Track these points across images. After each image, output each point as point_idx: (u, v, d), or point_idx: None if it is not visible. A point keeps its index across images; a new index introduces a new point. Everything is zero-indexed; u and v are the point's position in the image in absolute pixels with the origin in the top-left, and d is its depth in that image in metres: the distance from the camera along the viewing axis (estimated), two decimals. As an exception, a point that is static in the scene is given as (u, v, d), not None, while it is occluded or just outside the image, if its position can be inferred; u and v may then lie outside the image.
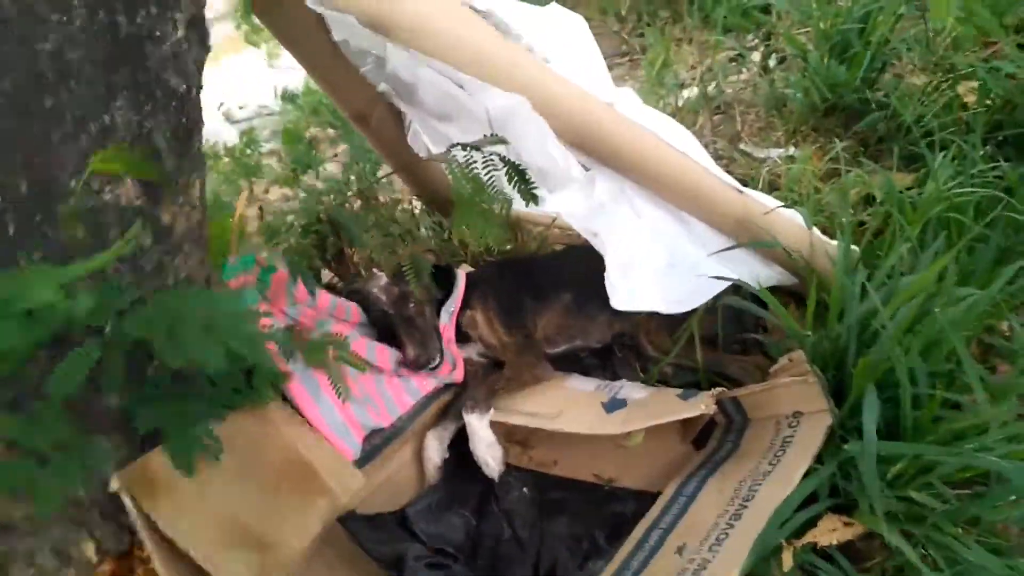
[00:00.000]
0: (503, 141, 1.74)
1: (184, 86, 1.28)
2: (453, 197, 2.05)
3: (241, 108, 3.74)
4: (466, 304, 2.28)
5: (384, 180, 2.97)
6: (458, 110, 1.89)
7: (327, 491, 1.80)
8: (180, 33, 1.23)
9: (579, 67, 1.76)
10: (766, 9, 3.81)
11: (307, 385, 1.87)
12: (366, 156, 2.79)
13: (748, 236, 2.01)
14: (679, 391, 2.05)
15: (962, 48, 2.45)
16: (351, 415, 1.96)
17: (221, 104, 2.90)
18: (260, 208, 3.16)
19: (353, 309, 2.16)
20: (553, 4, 1.95)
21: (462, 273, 2.34)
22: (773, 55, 3.65)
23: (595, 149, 1.77)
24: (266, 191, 3.62)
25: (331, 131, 3.71)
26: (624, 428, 1.92)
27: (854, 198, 2.46)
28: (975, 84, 2.40)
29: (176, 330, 1.18)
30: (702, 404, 1.84)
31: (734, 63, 3.84)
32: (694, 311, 2.12)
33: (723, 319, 2.18)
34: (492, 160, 1.92)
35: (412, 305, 2.18)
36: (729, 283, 2.05)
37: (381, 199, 2.94)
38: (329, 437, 1.89)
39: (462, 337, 2.31)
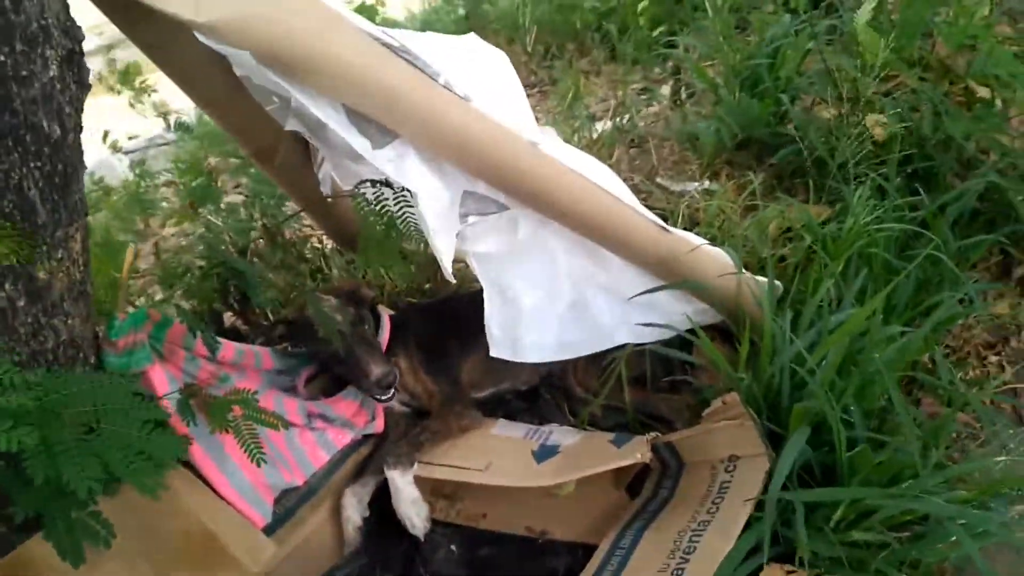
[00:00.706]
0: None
1: (59, 130, 1.12)
2: (360, 235, 1.94)
3: (131, 139, 3.49)
4: (388, 350, 2.15)
5: (291, 217, 2.81)
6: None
7: (234, 564, 1.63)
8: (53, 72, 1.08)
9: (501, 103, 1.68)
10: (671, 44, 3.86)
11: (210, 447, 1.70)
12: (271, 189, 2.62)
13: (673, 276, 1.97)
14: (611, 436, 1.98)
15: (865, 80, 2.51)
16: (259, 476, 1.80)
17: (107, 134, 2.66)
18: (156, 245, 2.93)
19: (264, 355, 2.00)
20: (472, 35, 1.87)
21: (386, 316, 2.21)
22: (682, 89, 3.69)
23: (517, 189, 1.70)
24: (162, 226, 3.38)
25: (232, 160, 3.50)
26: (556, 479, 1.83)
27: (773, 232, 2.47)
28: (883, 117, 2.46)
29: (49, 438, 1.02)
30: (638, 452, 1.77)
31: (643, 96, 3.87)
32: (622, 350, 2.07)
33: (651, 359, 2.14)
34: (404, 196, 1.82)
35: (365, 324, 2.05)
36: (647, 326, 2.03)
37: (288, 235, 2.77)
38: (236, 503, 1.73)
39: (382, 387, 2.17)
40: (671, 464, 1.94)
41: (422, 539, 1.89)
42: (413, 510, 1.88)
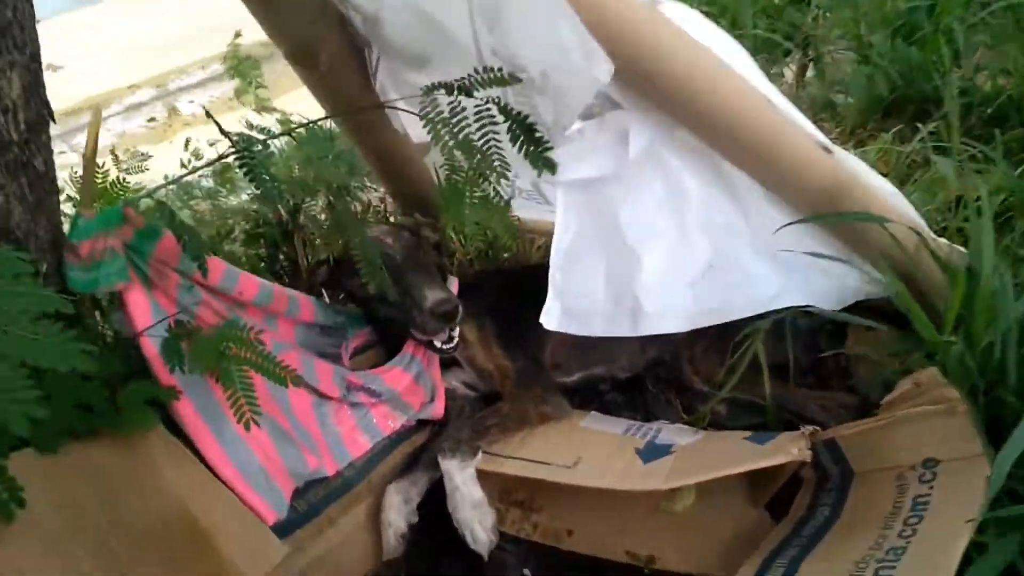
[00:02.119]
0: (505, 82, 1.19)
1: None
2: (438, 173, 1.50)
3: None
4: (452, 317, 1.70)
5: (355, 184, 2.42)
6: (437, 47, 1.37)
7: (227, 568, 1.18)
8: None
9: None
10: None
11: (207, 410, 1.28)
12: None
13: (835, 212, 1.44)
14: (746, 433, 1.46)
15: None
16: (274, 457, 1.36)
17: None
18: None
19: (304, 303, 1.57)
20: None
21: (453, 280, 1.76)
22: (811, 63, 3.17)
23: (635, 64, 1.22)
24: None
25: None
26: (673, 482, 1.32)
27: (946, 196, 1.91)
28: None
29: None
30: (794, 448, 1.24)
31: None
32: (751, 331, 1.55)
33: (794, 343, 1.61)
34: (489, 111, 1.37)
35: (422, 252, 1.65)
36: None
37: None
38: (238, 488, 1.29)
39: (445, 361, 1.72)
40: (832, 473, 1.40)
41: (485, 557, 1.40)
42: (475, 517, 1.39)
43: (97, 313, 1.32)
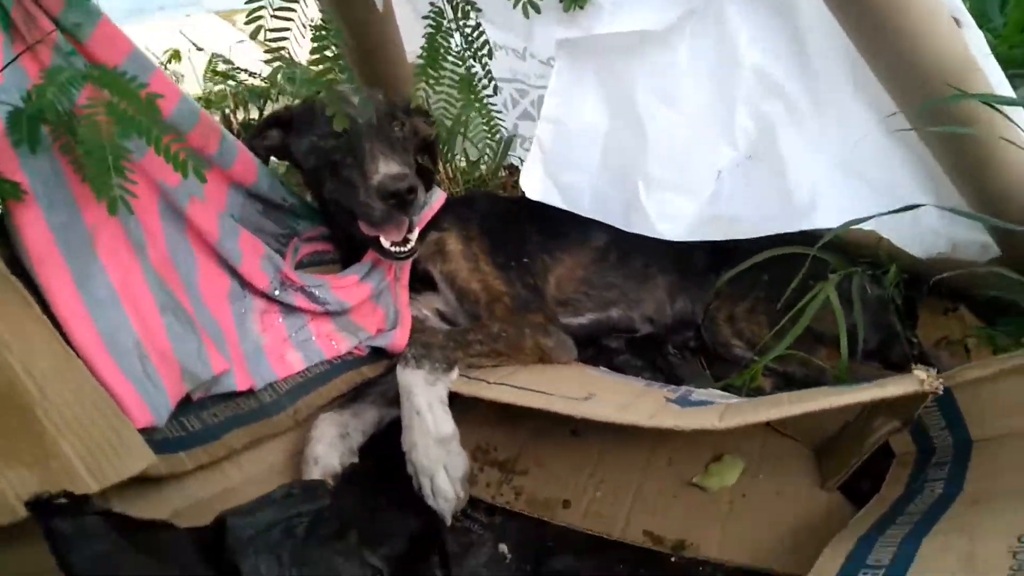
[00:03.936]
0: None
1: None
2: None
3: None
4: (434, 223, 1.31)
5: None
6: None
7: (59, 464, 0.76)
8: None
9: None
10: None
11: (67, 239, 0.86)
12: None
13: (950, 118, 1.10)
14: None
15: None
16: (162, 344, 0.94)
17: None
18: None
19: (244, 156, 1.16)
20: None
21: (439, 191, 1.38)
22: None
23: None
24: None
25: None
26: (729, 421, 0.91)
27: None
28: None
29: None
30: (923, 375, 0.85)
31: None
32: (800, 292, 1.19)
33: (860, 307, 1.24)
34: None
35: (396, 126, 1.24)
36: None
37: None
38: (98, 365, 0.87)
39: (417, 284, 1.32)
40: (939, 443, 1.00)
41: (447, 520, 0.97)
42: (440, 458, 0.97)
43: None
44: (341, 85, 1.13)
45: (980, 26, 1.11)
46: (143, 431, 0.87)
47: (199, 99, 2.17)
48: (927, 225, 1.24)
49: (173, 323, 0.98)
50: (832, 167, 1.21)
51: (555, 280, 1.36)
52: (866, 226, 1.14)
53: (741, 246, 1.28)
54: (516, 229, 1.36)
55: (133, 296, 0.93)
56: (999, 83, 1.14)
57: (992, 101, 1.04)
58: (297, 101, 1.75)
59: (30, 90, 0.81)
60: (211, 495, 0.98)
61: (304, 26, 1.00)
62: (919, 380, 0.85)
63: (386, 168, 1.10)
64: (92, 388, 0.84)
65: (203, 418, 1.01)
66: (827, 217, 1.19)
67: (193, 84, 2.40)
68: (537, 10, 1.07)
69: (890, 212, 1.07)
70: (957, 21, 1.08)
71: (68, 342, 0.86)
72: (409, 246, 1.17)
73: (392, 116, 1.23)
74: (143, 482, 0.86)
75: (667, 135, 1.21)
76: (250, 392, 1.07)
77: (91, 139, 0.75)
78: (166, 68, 2.30)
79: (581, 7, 1.10)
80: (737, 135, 1.22)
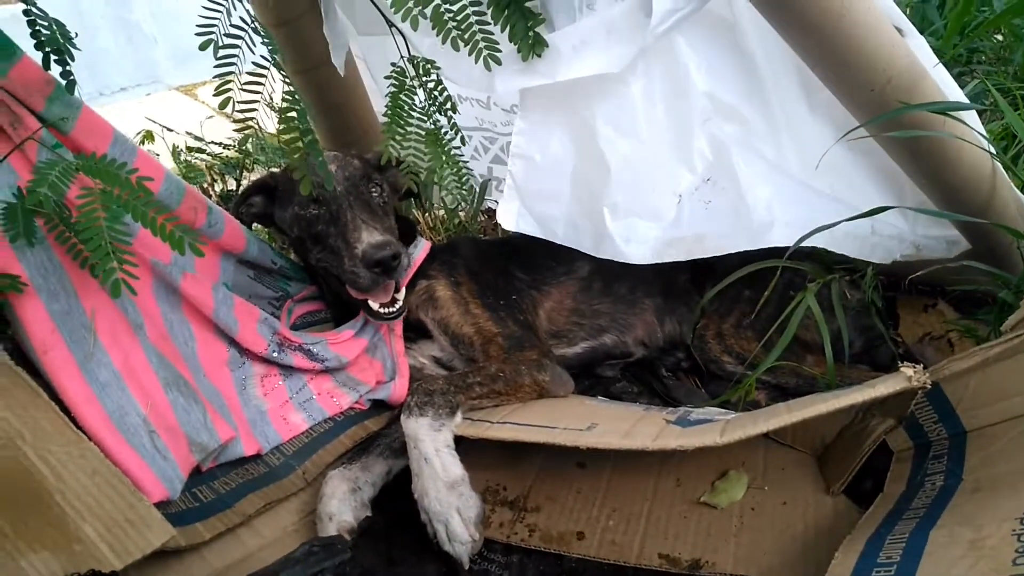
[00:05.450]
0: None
1: None
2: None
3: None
4: (420, 272, 1.34)
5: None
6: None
7: (82, 548, 0.77)
8: None
9: None
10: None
11: (68, 327, 0.89)
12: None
13: (893, 125, 1.15)
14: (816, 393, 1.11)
15: None
16: (168, 417, 0.96)
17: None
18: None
19: (232, 225, 1.19)
20: None
21: (424, 241, 1.42)
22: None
23: None
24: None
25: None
26: (730, 436, 0.94)
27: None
28: None
29: None
30: (909, 371, 0.88)
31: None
32: (784, 304, 1.24)
33: (842, 313, 1.28)
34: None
35: (375, 189, 1.28)
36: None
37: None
38: (109, 443, 0.88)
39: (411, 333, 1.34)
40: (933, 438, 1.03)
41: (465, 563, 0.98)
42: (452, 503, 0.98)
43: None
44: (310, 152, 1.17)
45: (923, 31, 1.17)
46: (158, 505, 0.89)
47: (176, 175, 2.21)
48: (886, 232, 1.28)
49: (177, 398, 0.99)
50: (793, 184, 1.26)
51: (545, 314, 1.39)
52: (819, 240, 1.19)
53: (721, 262, 1.32)
54: (501, 269, 1.39)
55: (136, 375, 0.95)
56: (947, 85, 1.20)
57: (937, 110, 1.10)
58: (275, 168, 1.79)
59: (23, 187, 0.84)
60: (230, 563, 0.99)
61: (271, 96, 1.04)
62: (907, 377, 0.88)
63: (369, 237, 1.14)
64: (106, 468, 0.86)
65: (215, 488, 1.03)
66: (785, 234, 1.23)
67: (168, 161, 2.45)
68: (498, 62, 1.12)
69: (849, 219, 1.12)
70: (900, 31, 1.14)
71: (78, 426, 0.87)
72: (397, 306, 1.21)
73: (368, 179, 1.27)
74: (164, 556, 0.87)
75: (627, 164, 1.26)
76: (258, 456, 1.09)
77: (88, 227, 0.78)
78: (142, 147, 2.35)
79: (539, 55, 1.15)
80: (695, 159, 1.27)
